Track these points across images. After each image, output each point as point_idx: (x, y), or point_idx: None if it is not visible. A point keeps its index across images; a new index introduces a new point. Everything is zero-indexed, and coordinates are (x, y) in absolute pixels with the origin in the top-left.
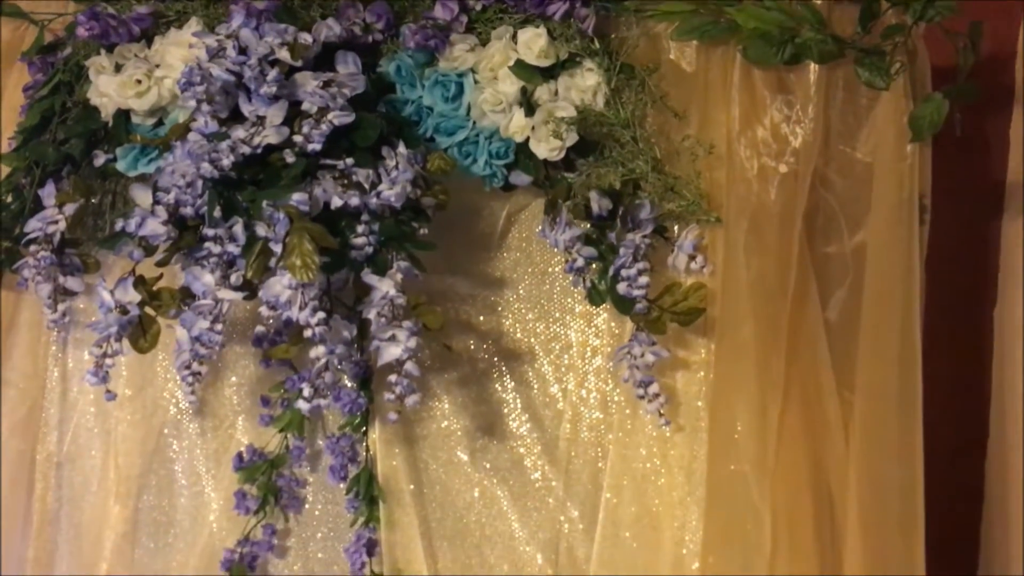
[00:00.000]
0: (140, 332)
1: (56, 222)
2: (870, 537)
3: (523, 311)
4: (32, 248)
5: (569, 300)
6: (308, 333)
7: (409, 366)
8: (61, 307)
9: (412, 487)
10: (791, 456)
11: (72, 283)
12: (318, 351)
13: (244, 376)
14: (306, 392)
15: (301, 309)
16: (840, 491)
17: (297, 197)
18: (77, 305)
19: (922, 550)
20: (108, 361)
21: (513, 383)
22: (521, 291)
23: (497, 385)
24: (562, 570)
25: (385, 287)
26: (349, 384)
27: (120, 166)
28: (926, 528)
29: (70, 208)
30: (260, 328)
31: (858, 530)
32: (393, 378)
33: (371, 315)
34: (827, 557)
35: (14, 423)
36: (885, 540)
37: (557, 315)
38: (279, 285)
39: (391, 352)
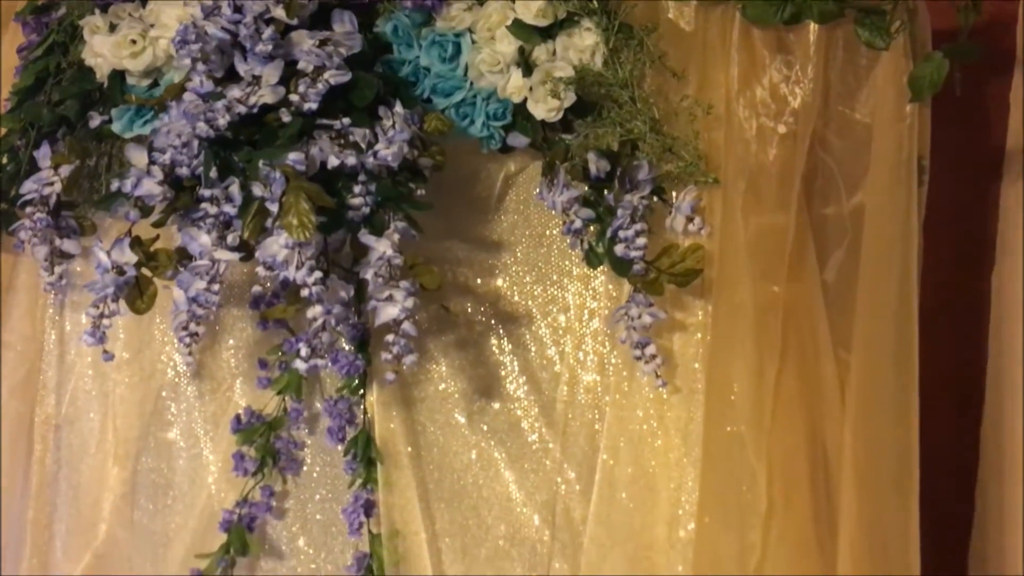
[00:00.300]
0: (137, 293)
1: (52, 184)
2: (865, 496)
3: (520, 274)
4: (28, 210)
5: (567, 263)
6: (305, 293)
7: (406, 326)
8: (58, 270)
9: (410, 449)
10: (787, 417)
11: (69, 246)
12: (315, 311)
13: (242, 339)
14: (303, 352)
15: (298, 268)
16: (836, 451)
17: (293, 156)
18: (74, 268)
19: (916, 508)
20: (105, 322)
21: (510, 346)
22: (519, 254)
23: (494, 348)
24: (559, 531)
25: (382, 247)
26: (347, 347)
27: (116, 128)
28: (921, 487)
29: (66, 170)
30: (257, 288)
31: (853, 489)
32: (390, 338)
33: (368, 275)
34: (822, 516)
35: (13, 385)
36: (880, 499)
37: (554, 278)
38: (276, 245)
39: (388, 312)
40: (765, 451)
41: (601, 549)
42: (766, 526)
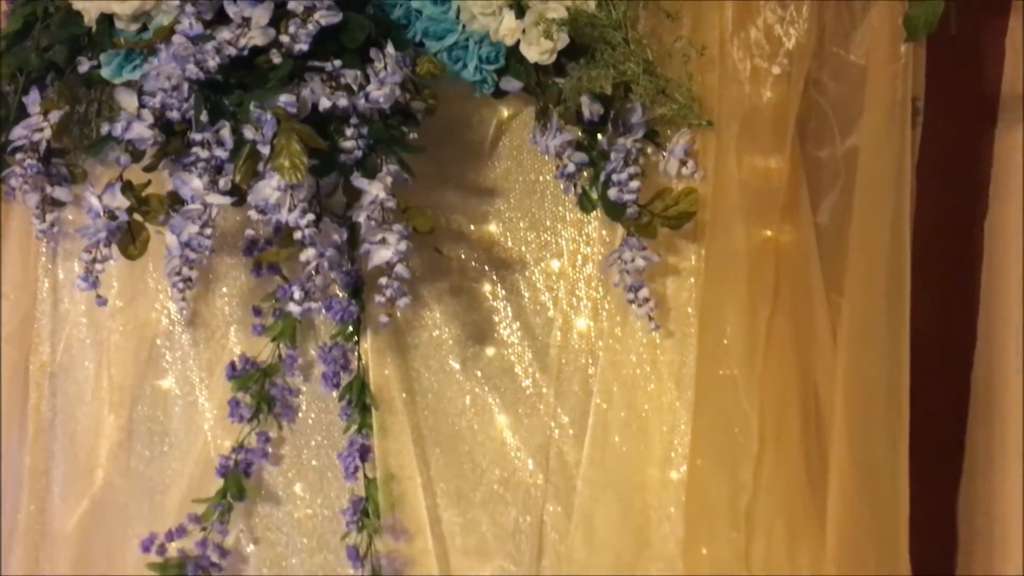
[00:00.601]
0: (129, 239)
1: (41, 130)
2: (856, 436)
3: (514, 220)
4: (18, 157)
5: (560, 208)
6: (298, 235)
7: (399, 268)
8: (49, 217)
9: (404, 395)
10: (779, 359)
11: (60, 193)
12: (308, 254)
13: (235, 287)
14: (296, 295)
15: (290, 211)
16: (827, 392)
17: (285, 98)
18: (66, 216)
19: (906, 449)
20: (98, 267)
21: (504, 292)
22: (512, 200)
23: (488, 294)
24: (552, 475)
25: (375, 190)
26: (340, 294)
27: (104, 73)
28: (911, 428)
29: (55, 115)
30: (249, 232)
31: (844, 430)
32: (384, 281)
33: (361, 219)
34: (813, 457)
35: (8, 333)
36: (870, 439)
37: (548, 223)
38: (268, 188)
39: (381, 255)
40: (757, 393)
41: (594, 491)
42: (758, 466)
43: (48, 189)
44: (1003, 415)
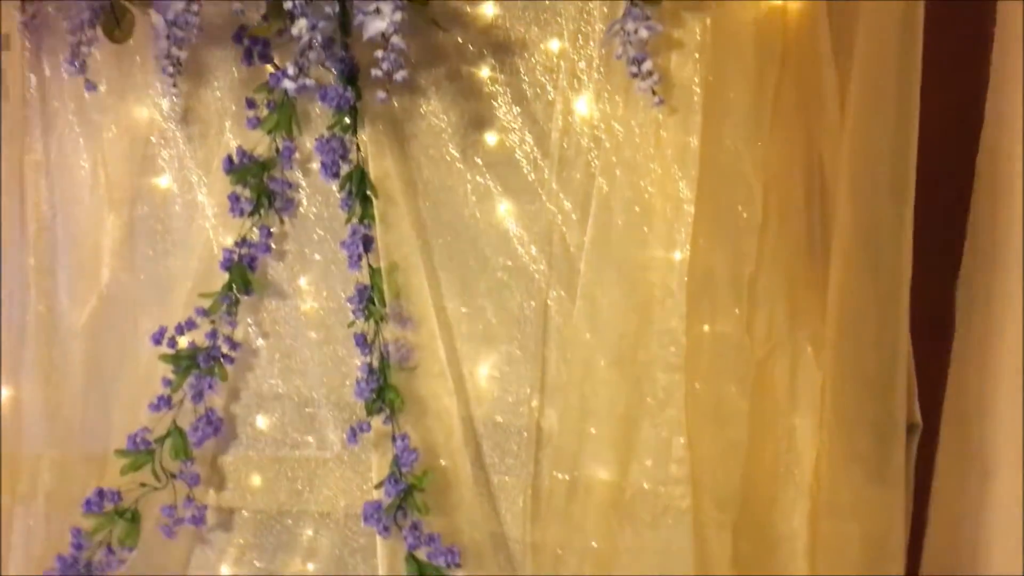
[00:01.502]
0: (113, 21)
1: None
2: (860, 203)
3: None
4: None
5: None
6: (288, 6)
7: (395, 40)
8: (30, 8)
9: (404, 186)
10: (785, 129)
11: None
12: (300, 25)
13: (227, 81)
14: (291, 71)
15: None
16: (832, 161)
17: None
18: (45, 9)
19: (911, 214)
20: (84, 49)
21: (503, 76)
22: None
23: (486, 79)
24: (556, 260)
25: None
26: (335, 82)
27: None
28: (916, 197)
29: None
30: (237, 6)
31: (848, 198)
32: (380, 54)
33: None
34: (816, 228)
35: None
36: (875, 206)
37: (547, 1)
38: None
39: (376, 26)
40: (762, 164)
41: (597, 273)
42: (762, 237)
43: None
44: (1008, 202)
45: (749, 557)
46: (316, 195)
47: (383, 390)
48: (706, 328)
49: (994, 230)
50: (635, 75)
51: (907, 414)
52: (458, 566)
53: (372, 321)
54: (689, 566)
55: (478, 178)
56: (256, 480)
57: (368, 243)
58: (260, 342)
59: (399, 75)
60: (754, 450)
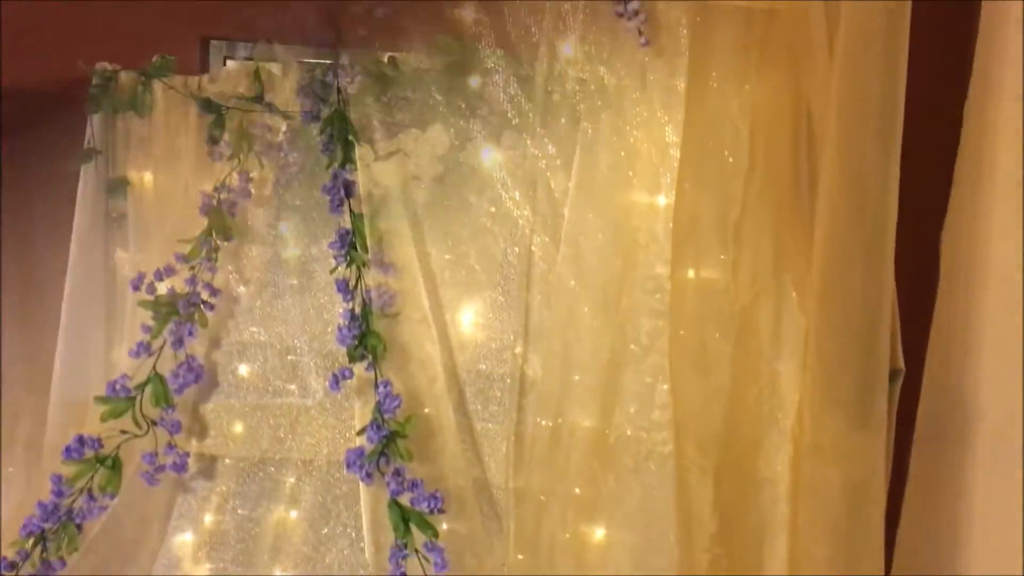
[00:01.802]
0: None
1: None
2: (848, 148)
3: None
4: None
5: None
6: None
7: None
8: None
9: (386, 130)
10: (772, 72)
11: None
12: None
13: None
14: None
15: None
16: (820, 105)
17: None
18: None
19: (898, 161)
20: None
21: (487, 16)
22: None
23: (470, 20)
24: (540, 206)
25: None
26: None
27: None
28: (903, 143)
29: None
30: None
31: (835, 142)
32: None
33: None
34: (802, 173)
35: None
36: (863, 151)
37: None
38: None
39: None
40: (749, 108)
41: (581, 219)
42: (748, 181)
43: None
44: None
45: (731, 501)
46: (297, 140)
47: (365, 336)
48: (691, 274)
49: (980, 177)
50: (621, 15)
51: (891, 359)
52: (441, 512)
53: (354, 267)
54: (671, 510)
55: (461, 122)
56: (238, 428)
57: (350, 187)
58: (241, 288)
59: (380, 11)
60: (737, 395)
